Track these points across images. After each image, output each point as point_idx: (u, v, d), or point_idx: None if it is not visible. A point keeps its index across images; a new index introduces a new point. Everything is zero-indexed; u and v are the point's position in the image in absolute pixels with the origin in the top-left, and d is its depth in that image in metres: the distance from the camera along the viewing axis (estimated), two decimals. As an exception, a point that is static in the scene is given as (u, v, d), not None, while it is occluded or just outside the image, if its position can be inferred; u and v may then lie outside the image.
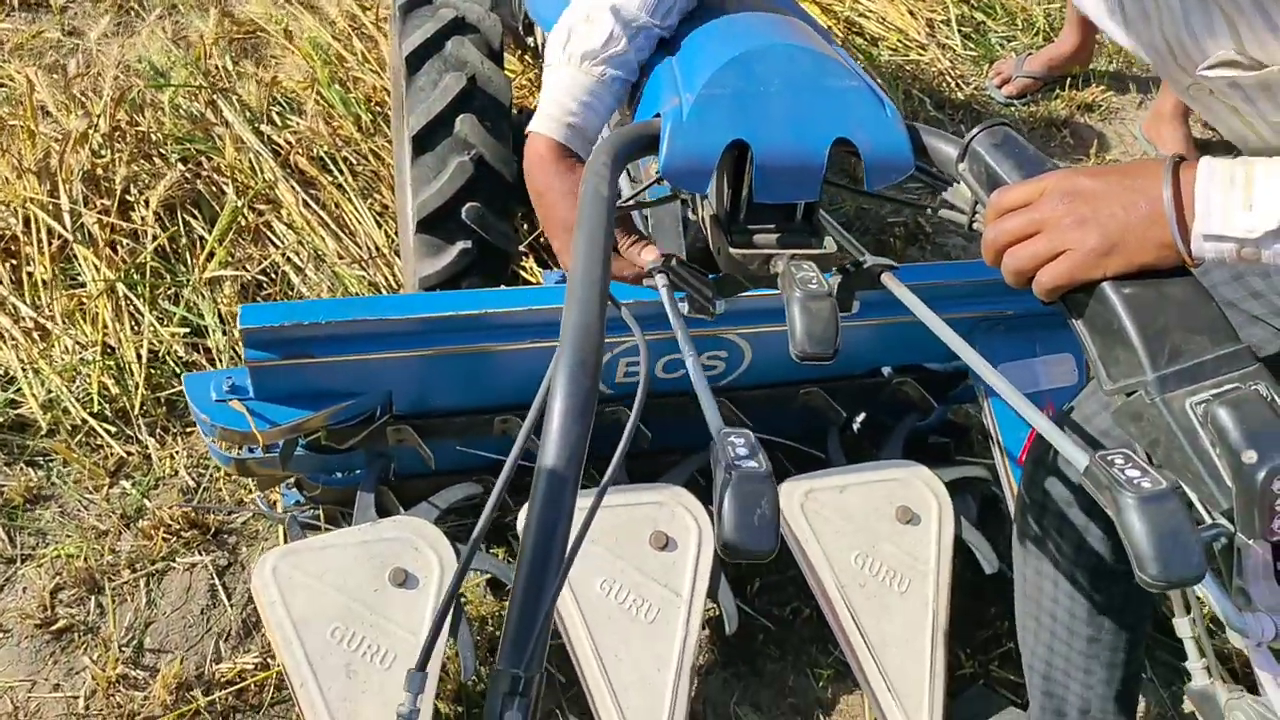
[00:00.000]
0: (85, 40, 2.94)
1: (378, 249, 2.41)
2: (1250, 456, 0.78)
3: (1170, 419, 0.83)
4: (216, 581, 1.84)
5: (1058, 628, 1.37)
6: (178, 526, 1.88)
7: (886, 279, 1.17)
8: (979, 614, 1.90)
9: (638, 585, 1.64)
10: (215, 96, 2.62)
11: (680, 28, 1.25)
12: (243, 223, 2.37)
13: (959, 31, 3.44)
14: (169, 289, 2.23)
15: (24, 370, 2.06)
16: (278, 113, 2.63)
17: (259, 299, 2.29)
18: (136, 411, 2.04)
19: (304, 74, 2.78)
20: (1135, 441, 0.89)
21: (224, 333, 2.18)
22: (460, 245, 1.96)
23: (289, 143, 2.54)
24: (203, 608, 1.81)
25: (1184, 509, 0.74)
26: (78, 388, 2.07)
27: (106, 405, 2.04)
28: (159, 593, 1.82)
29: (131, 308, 2.16)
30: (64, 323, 2.13)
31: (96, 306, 2.14)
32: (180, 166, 2.43)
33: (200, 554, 1.87)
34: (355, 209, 2.46)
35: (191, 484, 1.97)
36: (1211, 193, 0.84)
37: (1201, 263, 0.87)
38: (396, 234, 2.42)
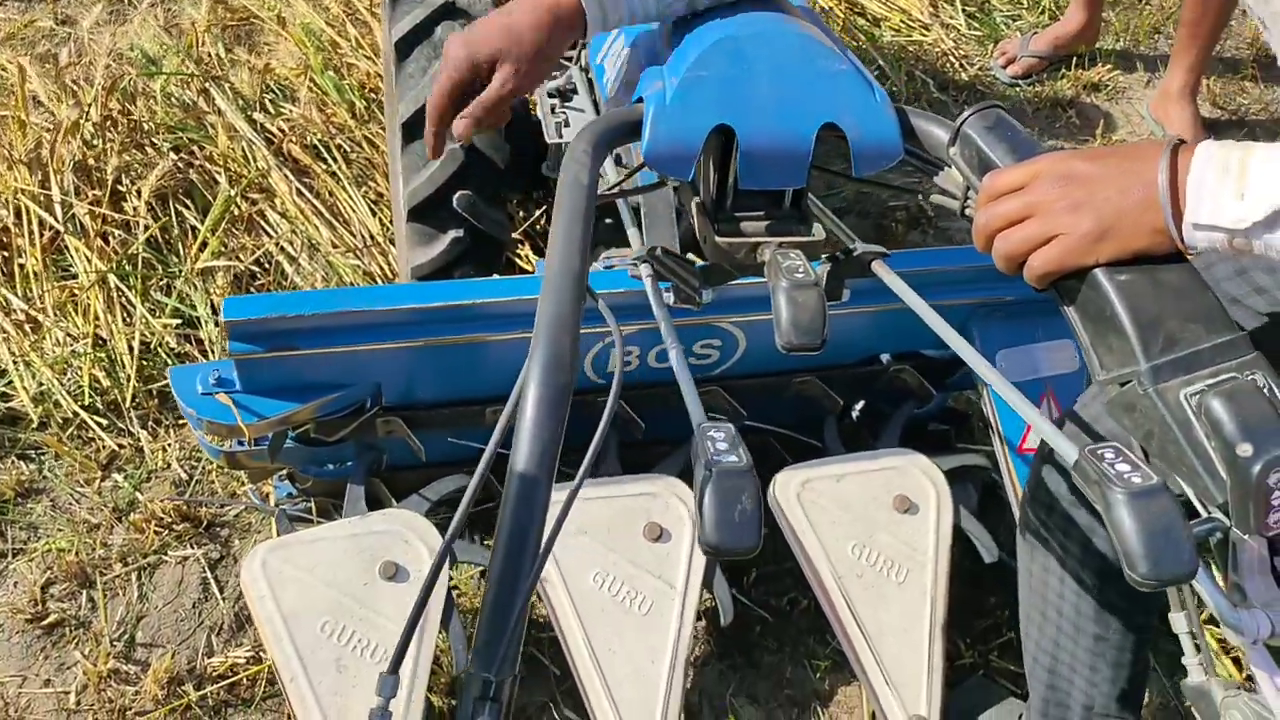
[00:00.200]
0: (77, 29, 2.91)
1: (372, 238, 2.39)
2: (1245, 449, 0.75)
3: (1164, 410, 0.81)
4: (208, 575, 1.82)
5: (1063, 623, 1.34)
6: (169, 519, 1.87)
7: (877, 267, 1.15)
8: (979, 604, 1.87)
9: (631, 577, 1.62)
10: (207, 84, 2.59)
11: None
12: (235, 212, 2.34)
13: (963, 11, 3.39)
14: (161, 280, 2.21)
15: (15, 363, 2.05)
16: (271, 100, 2.61)
17: (252, 289, 2.27)
18: (128, 404, 2.02)
19: (297, 61, 2.75)
20: (1129, 434, 0.86)
21: (216, 324, 2.16)
22: (452, 234, 1.93)
23: (282, 131, 2.51)
24: (194, 601, 1.79)
25: (1175, 505, 0.71)
26: (69, 380, 2.05)
27: (98, 398, 2.03)
28: (151, 586, 1.81)
29: (123, 299, 2.15)
30: (55, 315, 2.12)
31: (88, 298, 2.13)
32: (172, 156, 2.40)
33: (192, 547, 1.85)
34: (349, 197, 2.43)
35: (184, 476, 1.96)
36: (1205, 179, 0.81)
37: (1196, 252, 0.85)
38: (391, 222, 2.40)
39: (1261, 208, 0.78)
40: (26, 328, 2.12)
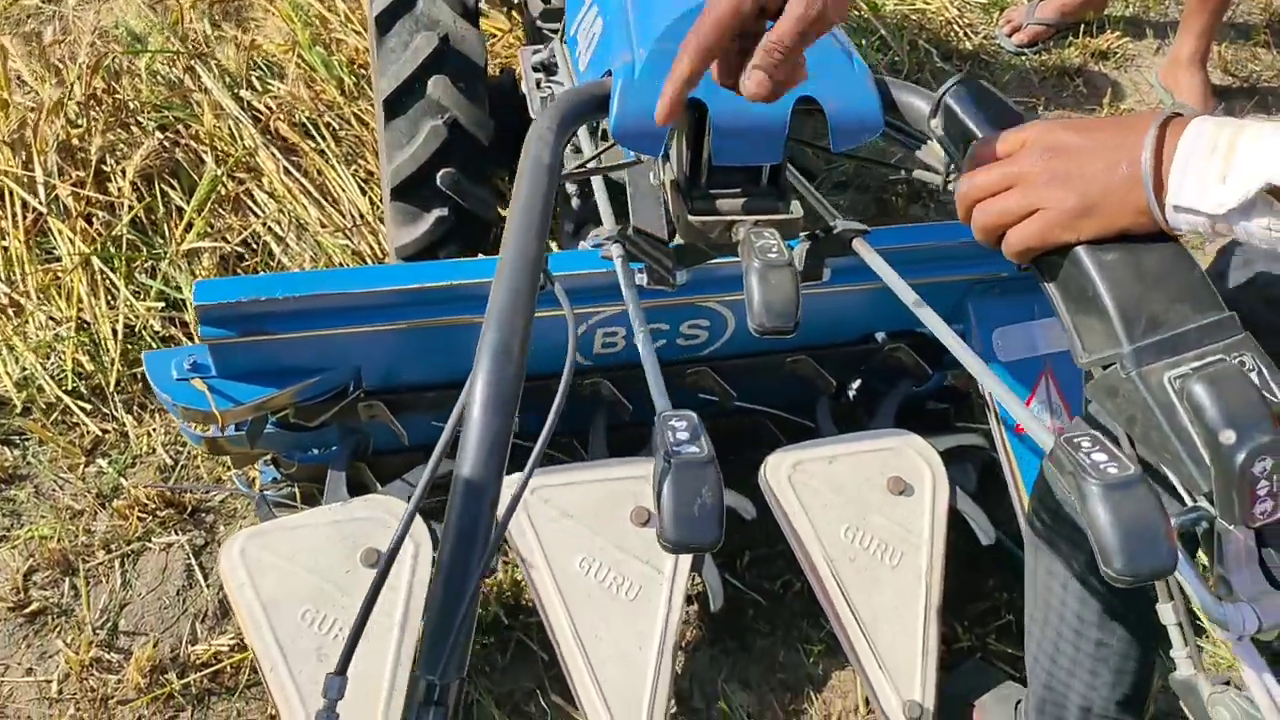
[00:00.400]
0: (62, 6, 2.87)
1: (361, 217, 2.35)
2: (1228, 436, 0.71)
3: (1146, 394, 0.77)
4: (193, 561, 1.80)
5: (1064, 627, 1.29)
6: (154, 506, 1.85)
7: (858, 244, 1.10)
8: (976, 586, 1.84)
9: (618, 562, 1.59)
10: (193, 62, 2.55)
11: None
12: (222, 192, 2.31)
13: (967, -22, 3.32)
14: (145, 262, 2.18)
15: (-2, 347, 2.02)
16: (258, 77, 2.56)
17: (239, 271, 2.24)
18: (112, 388, 2.00)
19: (285, 36, 2.70)
20: (1112, 419, 0.82)
21: (202, 306, 2.12)
22: (436, 213, 1.89)
23: (269, 108, 2.47)
24: (179, 588, 1.77)
25: (1153, 497, 0.67)
26: (52, 365, 2.02)
27: (81, 382, 2.00)
28: (134, 574, 1.79)
29: (107, 282, 2.11)
30: (38, 298, 2.09)
31: (71, 281, 2.10)
32: (158, 135, 2.37)
33: (177, 534, 1.83)
34: (338, 176, 2.39)
35: (169, 462, 1.94)
36: (1191, 160, 0.76)
37: (1180, 234, 0.80)
38: (382, 201, 2.36)
39: (1236, 193, 0.73)
40: (9, 311, 2.09)
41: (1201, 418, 0.72)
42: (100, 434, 1.96)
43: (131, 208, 2.21)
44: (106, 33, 2.71)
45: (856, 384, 1.96)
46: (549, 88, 1.85)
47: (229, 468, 1.91)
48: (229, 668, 1.67)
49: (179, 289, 2.15)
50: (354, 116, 2.51)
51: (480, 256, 1.89)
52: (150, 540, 1.82)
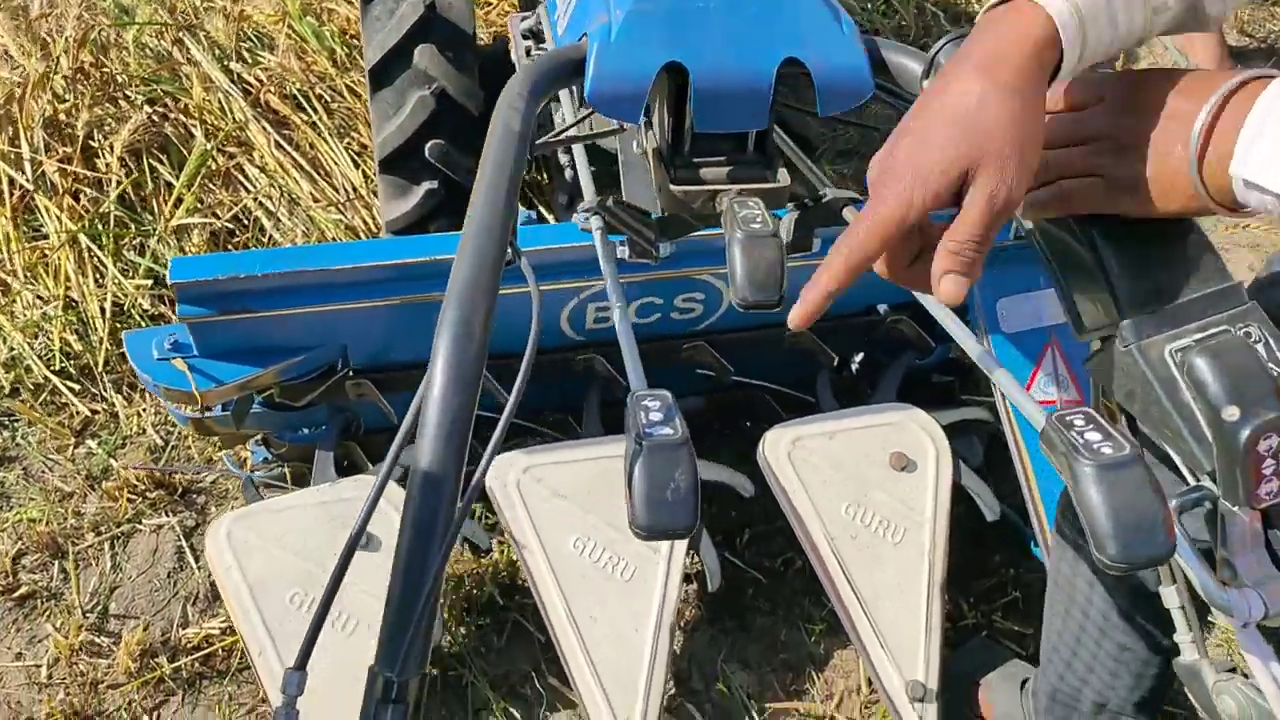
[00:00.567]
0: (51, -22, 2.81)
1: (355, 190, 2.31)
2: (1231, 413, 0.66)
3: (1146, 368, 0.72)
4: (184, 543, 1.78)
5: (1088, 625, 1.24)
6: (144, 487, 1.82)
7: (849, 214, 1.05)
8: (981, 563, 1.80)
9: (613, 542, 1.55)
10: (182, 34, 2.50)
11: None
12: (212, 166, 2.27)
13: (976, -62, 3.23)
14: (134, 239, 2.15)
15: (-15, 328, 2.00)
16: (247, 49, 2.51)
17: (230, 247, 2.20)
18: (101, 368, 1.97)
19: (275, 6, 2.64)
20: (1112, 394, 0.77)
21: (192, 283, 2.09)
22: (426, 186, 1.85)
23: (260, 80, 2.42)
24: (169, 571, 1.75)
25: (1150, 479, 0.62)
26: (40, 345, 1.99)
27: (70, 363, 1.97)
28: (124, 556, 1.76)
29: (95, 260, 2.08)
30: (25, 277, 2.06)
31: (58, 259, 2.06)
32: (146, 109, 2.32)
33: (167, 515, 1.80)
34: (330, 149, 2.35)
35: (159, 442, 1.91)
36: (1267, 125, 0.65)
37: (1248, 212, 0.69)
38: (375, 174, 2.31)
39: None
40: (-3, 291, 2.07)
41: (1204, 393, 0.68)
42: (90, 415, 1.93)
43: (120, 183, 2.17)
44: (94, 5, 2.65)
45: (859, 357, 1.91)
46: (537, 55, 1.79)
47: (220, 448, 1.88)
48: (220, 651, 1.64)
49: (167, 267, 2.10)
50: (346, 88, 2.46)
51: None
52: (140, 522, 1.79)
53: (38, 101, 2.25)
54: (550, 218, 2.24)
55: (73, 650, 1.62)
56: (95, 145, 2.25)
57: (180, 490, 1.84)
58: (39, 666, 1.62)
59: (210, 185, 2.25)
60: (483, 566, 1.74)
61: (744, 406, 1.86)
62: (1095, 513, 0.62)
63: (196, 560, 1.76)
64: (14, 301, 2.04)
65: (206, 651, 1.64)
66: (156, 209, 2.18)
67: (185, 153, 2.28)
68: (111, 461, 1.87)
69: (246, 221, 2.23)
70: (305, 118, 2.38)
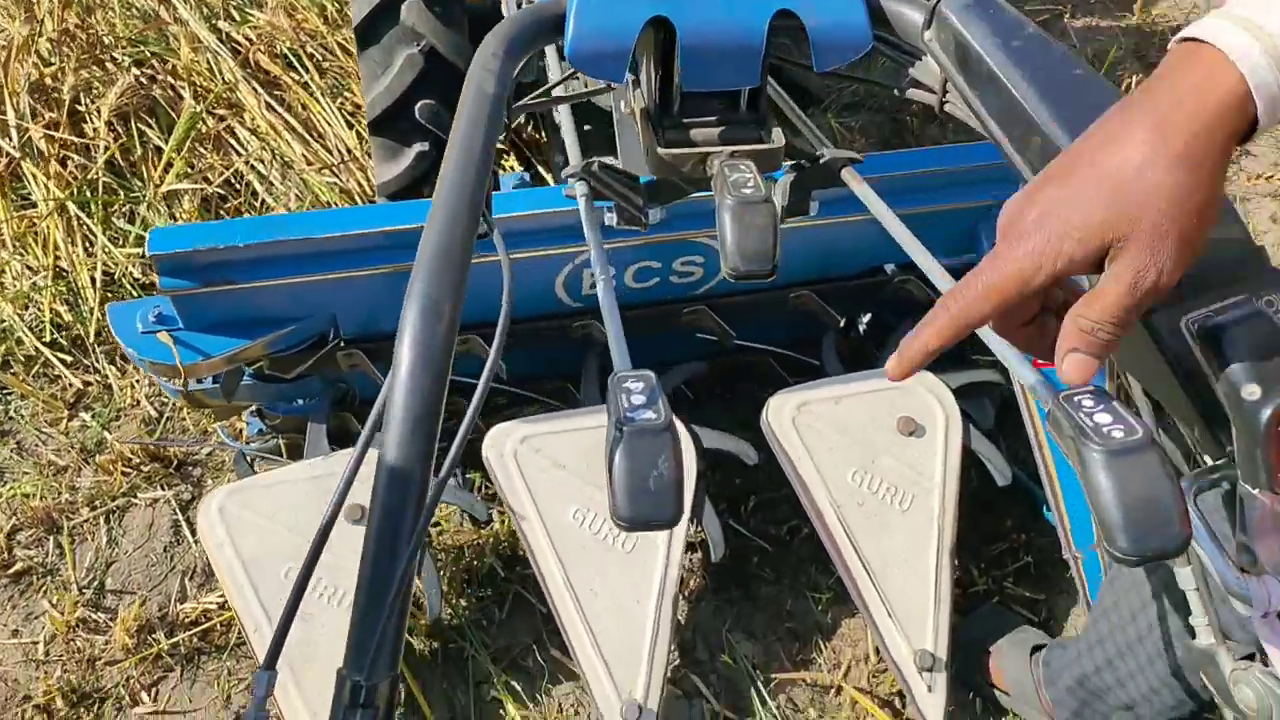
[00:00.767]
0: (35, -62, 2.75)
1: (349, 152, 2.25)
2: (1252, 391, 0.61)
3: (1158, 341, 0.66)
4: (180, 517, 1.75)
5: (1147, 641, 1.19)
6: (138, 460, 1.79)
7: (847, 174, 1.00)
8: (992, 528, 1.75)
9: (612, 513, 1.52)
10: (169, -8, 2.44)
11: None
12: (202, 130, 2.21)
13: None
14: (124, 206, 2.10)
15: (-26, 300, 1.96)
16: (235, 7, 2.45)
17: (222, 213, 2.15)
18: (92, 339, 1.93)
19: (264, -38, 2.58)
20: (1123, 370, 0.72)
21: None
22: (417, 148, 1.79)
23: (249, 40, 2.36)
24: (166, 545, 1.72)
25: (1164, 465, 0.57)
26: (30, 316, 1.96)
27: (61, 334, 1.94)
28: (120, 531, 1.74)
29: (84, 228, 2.04)
30: (13, 246, 2.02)
31: (47, 227, 2.02)
32: (134, 71, 2.27)
33: (163, 488, 1.78)
34: (323, 110, 2.29)
35: (154, 415, 1.87)
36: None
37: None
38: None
39: None
40: (-14, 262, 2.03)
41: (1222, 369, 0.62)
42: (82, 387, 1.90)
43: (108, 149, 2.12)
44: (79, -36, 2.59)
45: (866, 318, 1.86)
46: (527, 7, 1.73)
47: (214, 420, 1.85)
48: (218, 626, 1.62)
49: (158, 234, 2.06)
50: (338, 46, 2.39)
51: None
52: (136, 496, 1.76)
53: (23, 65, 2.20)
54: (549, 178, 2.18)
55: (69, 627, 1.61)
56: (82, 110, 2.19)
57: (175, 463, 1.81)
58: (36, 644, 1.60)
59: (200, 149, 2.20)
60: (483, 538, 1.71)
61: (747, 371, 1.81)
62: (1104, 502, 0.57)
63: (193, 534, 1.73)
64: (3, 272, 2.00)
65: (204, 626, 1.62)
66: (146, 175, 2.14)
67: (174, 116, 2.23)
68: (106, 434, 1.84)
69: (239, 186, 2.18)
70: (296, 77, 2.32)
